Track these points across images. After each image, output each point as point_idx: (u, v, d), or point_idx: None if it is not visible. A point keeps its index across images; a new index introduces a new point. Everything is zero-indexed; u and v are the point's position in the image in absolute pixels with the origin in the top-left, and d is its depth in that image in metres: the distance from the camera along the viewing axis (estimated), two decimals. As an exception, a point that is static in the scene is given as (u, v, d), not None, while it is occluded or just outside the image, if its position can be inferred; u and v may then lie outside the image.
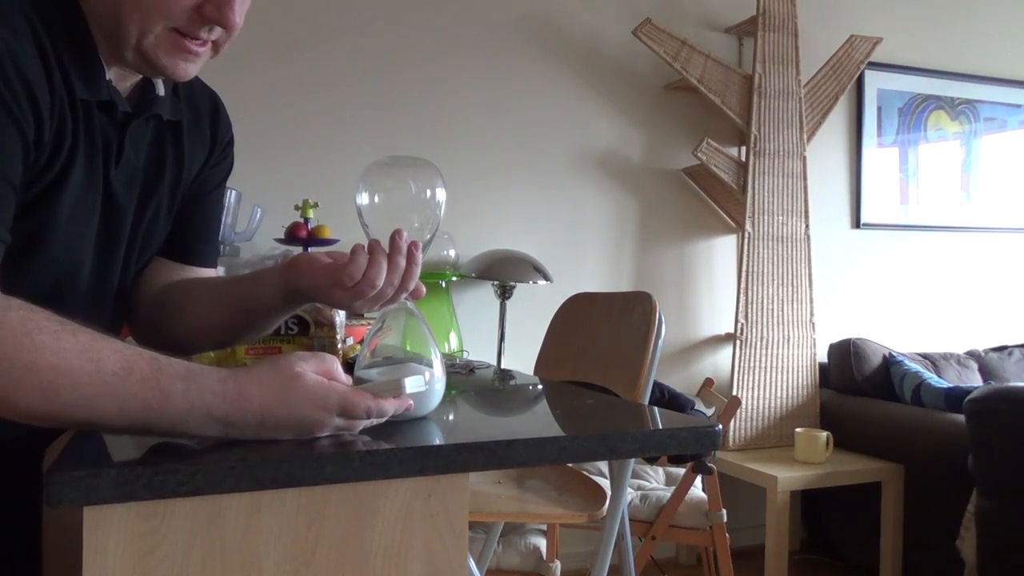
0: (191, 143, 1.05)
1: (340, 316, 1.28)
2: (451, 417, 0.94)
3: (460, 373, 1.44)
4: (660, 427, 0.90)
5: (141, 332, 1.10)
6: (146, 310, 1.08)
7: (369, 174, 0.94)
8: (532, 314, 2.70)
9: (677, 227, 3.17)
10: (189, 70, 0.92)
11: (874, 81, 3.44)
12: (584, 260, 3.03)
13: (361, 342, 1.27)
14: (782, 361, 3.04)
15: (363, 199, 0.93)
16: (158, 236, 1.06)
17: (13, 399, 0.68)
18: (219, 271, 1.32)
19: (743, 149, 3.13)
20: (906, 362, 3.03)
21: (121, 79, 0.95)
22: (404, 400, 0.82)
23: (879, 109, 3.47)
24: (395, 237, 0.88)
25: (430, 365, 0.92)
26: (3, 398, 0.68)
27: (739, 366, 2.98)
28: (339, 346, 1.28)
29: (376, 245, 0.89)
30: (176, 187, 1.05)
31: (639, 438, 0.87)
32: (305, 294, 0.94)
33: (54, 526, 1.08)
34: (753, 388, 3.00)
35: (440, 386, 0.92)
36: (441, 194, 0.94)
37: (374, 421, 0.80)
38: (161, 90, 0.99)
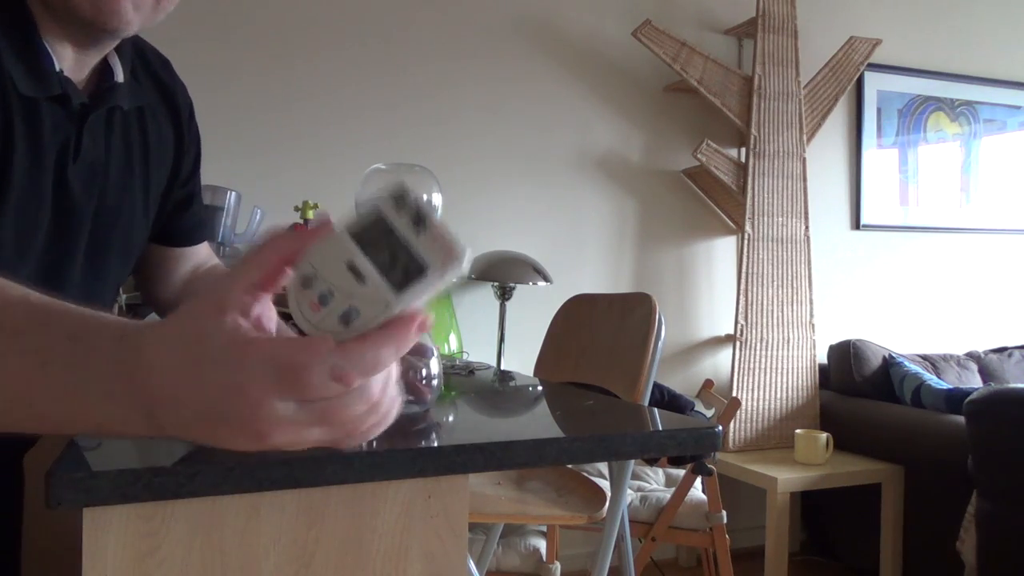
0: (156, 127, 1.00)
1: None
2: (451, 418, 0.94)
3: (460, 374, 1.44)
4: (660, 428, 0.90)
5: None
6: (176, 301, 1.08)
7: (369, 179, 0.99)
8: (532, 315, 2.70)
9: (677, 228, 3.17)
10: (123, 13, 0.80)
11: (874, 82, 3.44)
12: (584, 261, 3.03)
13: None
14: (782, 362, 3.04)
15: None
16: (139, 235, 1.00)
17: None
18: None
19: (743, 150, 3.13)
20: (906, 363, 3.03)
21: (78, 66, 0.88)
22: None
23: (879, 110, 3.47)
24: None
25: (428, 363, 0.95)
26: None
27: (739, 367, 2.98)
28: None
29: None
30: (147, 180, 0.99)
31: (639, 439, 0.87)
32: None
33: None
34: (753, 389, 2.99)
35: (437, 382, 0.96)
36: (437, 198, 0.99)
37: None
38: (120, 75, 0.92)
